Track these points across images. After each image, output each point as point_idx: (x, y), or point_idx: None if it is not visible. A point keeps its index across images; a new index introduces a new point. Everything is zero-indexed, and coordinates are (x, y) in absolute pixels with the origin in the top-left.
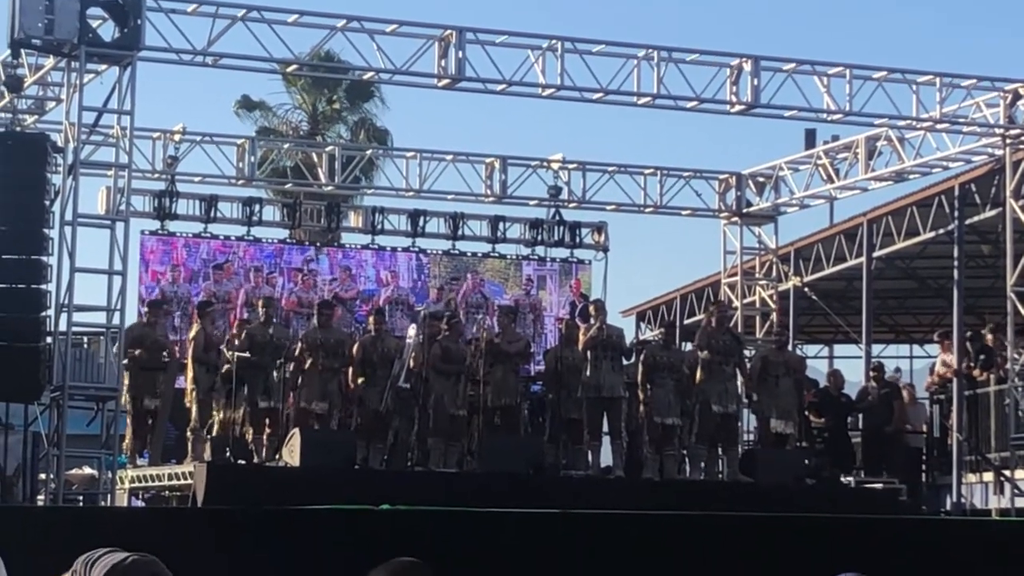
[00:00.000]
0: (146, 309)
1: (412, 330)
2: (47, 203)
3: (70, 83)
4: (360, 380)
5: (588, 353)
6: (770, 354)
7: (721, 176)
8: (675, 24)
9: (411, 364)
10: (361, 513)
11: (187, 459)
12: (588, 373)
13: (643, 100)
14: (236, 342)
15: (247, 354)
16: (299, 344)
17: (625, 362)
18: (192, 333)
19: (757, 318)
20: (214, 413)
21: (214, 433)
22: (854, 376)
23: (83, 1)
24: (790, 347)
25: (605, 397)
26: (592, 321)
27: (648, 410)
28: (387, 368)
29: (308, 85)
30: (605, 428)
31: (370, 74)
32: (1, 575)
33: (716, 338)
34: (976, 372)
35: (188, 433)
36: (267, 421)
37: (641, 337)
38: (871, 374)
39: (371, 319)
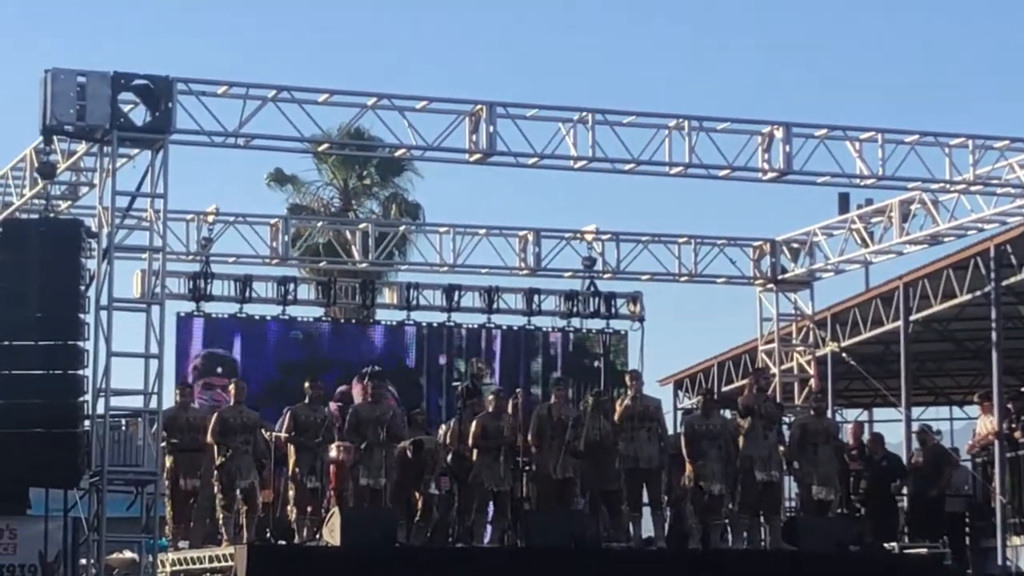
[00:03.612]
0: (177, 391)
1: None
2: (82, 288)
3: (103, 168)
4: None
5: (624, 424)
6: (809, 421)
7: (755, 243)
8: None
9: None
10: None
11: (223, 541)
12: (624, 444)
13: (675, 170)
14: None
15: (284, 434)
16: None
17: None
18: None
19: (796, 384)
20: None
21: (239, 511)
22: (895, 439)
23: (114, 87)
24: (829, 413)
25: (643, 468)
26: (627, 392)
27: (694, 479)
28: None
29: (339, 161)
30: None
31: (401, 151)
32: None
33: (757, 404)
34: (1017, 434)
35: (219, 514)
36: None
37: (679, 406)
38: (919, 436)
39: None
